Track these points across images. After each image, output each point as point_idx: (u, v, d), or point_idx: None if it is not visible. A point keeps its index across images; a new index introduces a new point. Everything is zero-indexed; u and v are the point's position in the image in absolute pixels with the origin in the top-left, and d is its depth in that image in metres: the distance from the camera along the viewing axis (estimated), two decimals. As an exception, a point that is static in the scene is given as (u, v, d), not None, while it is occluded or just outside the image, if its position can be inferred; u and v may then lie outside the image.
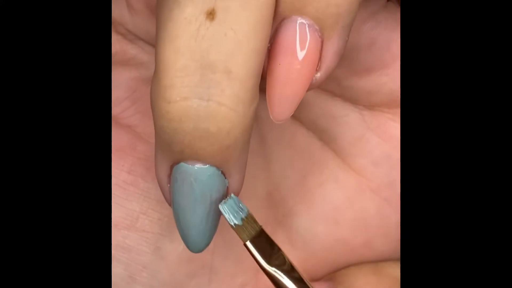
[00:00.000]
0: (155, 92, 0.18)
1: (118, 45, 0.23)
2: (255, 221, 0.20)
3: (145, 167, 0.22)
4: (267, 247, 0.20)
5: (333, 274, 0.23)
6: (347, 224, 0.23)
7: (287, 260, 0.20)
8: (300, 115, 0.23)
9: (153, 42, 0.23)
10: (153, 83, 0.18)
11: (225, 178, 0.19)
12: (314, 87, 0.19)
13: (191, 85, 0.18)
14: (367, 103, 0.23)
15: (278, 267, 0.20)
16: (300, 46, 0.19)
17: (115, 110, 0.23)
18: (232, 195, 0.19)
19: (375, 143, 0.23)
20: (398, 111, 0.23)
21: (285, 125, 0.23)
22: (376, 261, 0.23)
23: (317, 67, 0.19)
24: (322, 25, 0.18)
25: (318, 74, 0.19)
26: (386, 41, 0.22)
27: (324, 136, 0.23)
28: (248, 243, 0.20)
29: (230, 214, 0.19)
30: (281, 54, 0.19)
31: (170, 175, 0.19)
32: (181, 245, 0.22)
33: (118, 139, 0.22)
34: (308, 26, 0.18)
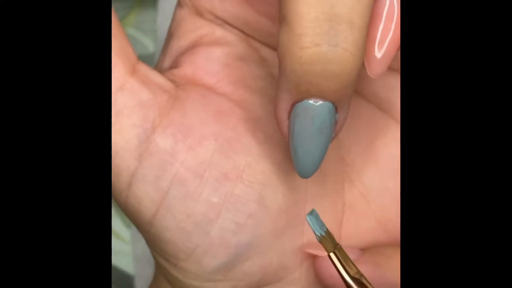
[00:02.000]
0: (287, 41, 0.21)
1: (205, 28, 0.27)
2: (333, 237, 0.24)
3: (244, 127, 0.25)
4: (346, 259, 0.24)
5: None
6: None
7: (360, 272, 0.23)
8: (362, 90, 0.27)
9: (239, 25, 0.26)
10: (284, 33, 0.22)
11: (336, 113, 0.23)
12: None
13: (322, 34, 0.21)
14: None
15: (357, 277, 0.23)
16: (396, 15, 0.23)
17: (211, 81, 0.26)
18: (314, 209, 0.23)
19: None
20: None
21: None
22: None
23: None
24: None
25: None
26: None
27: (385, 104, 0.27)
28: (332, 254, 0.23)
29: (316, 225, 0.23)
30: (378, 20, 0.23)
31: (290, 112, 0.23)
32: (280, 195, 0.25)
33: (218, 104, 0.26)
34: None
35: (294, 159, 0.24)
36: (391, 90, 0.27)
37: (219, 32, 0.27)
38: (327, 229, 0.23)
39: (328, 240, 0.24)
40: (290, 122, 0.23)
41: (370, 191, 0.27)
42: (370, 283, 0.24)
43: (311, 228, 0.24)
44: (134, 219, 0.26)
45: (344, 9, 0.21)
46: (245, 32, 0.27)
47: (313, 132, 0.23)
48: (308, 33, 0.21)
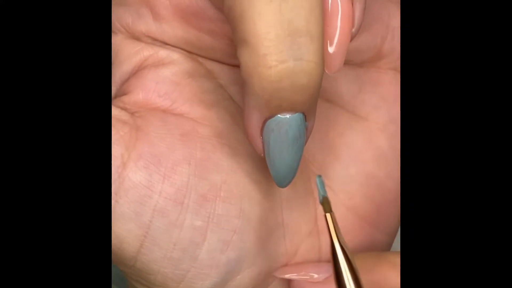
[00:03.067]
0: (252, 62, 0.22)
1: (149, 49, 0.26)
2: (329, 204, 0.24)
3: (211, 145, 0.26)
4: (337, 228, 0.24)
5: None
6: (371, 161, 0.28)
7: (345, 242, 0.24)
8: None
9: (180, 44, 0.26)
10: (247, 55, 0.22)
11: (306, 121, 0.23)
12: (352, 40, 0.24)
13: (285, 50, 0.22)
14: (358, 61, 0.28)
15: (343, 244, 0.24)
16: (338, 8, 0.23)
17: (166, 103, 0.26)
18: (321, 176, 0.24)
19: (371, 92, 0.28)
20: (381, 64, 0.28)
21: None
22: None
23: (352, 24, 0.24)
24: None
25: (354, 29, 0.24)
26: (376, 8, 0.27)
27: (331, 96, 0.28)
28: (328, 215, 0.24)
29: (321, 187, 0.24)
30: (327, 19, 0.23)
31: (262, 129, 0.23)
32: (257, 205, 0.26)
33: (180, 126, 0.25)
34: None
35: (273, 171, 0.24)
36: (335, 82, 0.28)
37: (162, 52, 0.27)
38: (327, 195, 0.24)
39: (326, 204, 0.24)
40: (264, 138, 0.24)
41: (335, 181, 0.28)
42: (351, 258, 0.24)
43: (318, 187, 0.24)
44: (115, 257, 0.25)
45: (301, 22, 0.22)
46: (187, 50, 0.27)
47: (288, 144, 0.23)
48: (272, 52, 0.22)
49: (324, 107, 0.28)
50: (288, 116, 0.23)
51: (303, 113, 0.23)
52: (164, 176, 0.25)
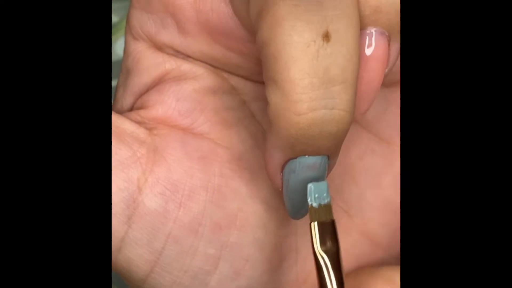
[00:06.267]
0: (281, 105, 0.21)
1: (171, 62, 0.25)
2: (330, 212, 0.23)
3: (230, 169, 0.25)
4: (329, 237, 0.23)
5: None
6: (389, 186, 0.27)
7: (339, 255, 0.23)
8: None
9: (205, 60, 0.25)
10: (277, 97, 0.21)
11: (328, 160, 0.23)
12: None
13: (318, 99, 0.21)
14: (386, 82, 0.26)
15: (326, 254, 0.23)
16: (377, 52, 0.22)
17: (186, 122, 0.25)
18: (326, 180, 0.23)
19: (396, 114, 0.27)
20: None
21: None
22: None
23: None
24: (391, 31, 0.22)
25: (386, 70, 0.23)
26: None
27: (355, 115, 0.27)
28: (313, 224, 0.23)
29: (313, 195, 0.23)
30: (362, 61, 0.22)
31: (283, 167, 0.23)
32: (272, 233, 0.25)
33: (199, 148, 0.25)
34: (381, 34, 0.22)
35: (288, 206, 0.24)
36: None
37: (185, 66, 0.25)
38: (327, 203, 0.23)
39: (319, 212, 0.23)
40: (284, 176, 0.23)
41: (351, 205, 0.27)
42: (343, 274, 0.23)
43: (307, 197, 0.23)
44: (125, 277, 0.25)
45: (337, 70, 0.21)
46: (212, 65, 0.26)
47: (308, 184, 0.23)
48: (304, 99, 0.21)
49: None
50: (311, 158, 0.22)
51: (327, 155, 0.23)
52: (180, 204, 0.24)
